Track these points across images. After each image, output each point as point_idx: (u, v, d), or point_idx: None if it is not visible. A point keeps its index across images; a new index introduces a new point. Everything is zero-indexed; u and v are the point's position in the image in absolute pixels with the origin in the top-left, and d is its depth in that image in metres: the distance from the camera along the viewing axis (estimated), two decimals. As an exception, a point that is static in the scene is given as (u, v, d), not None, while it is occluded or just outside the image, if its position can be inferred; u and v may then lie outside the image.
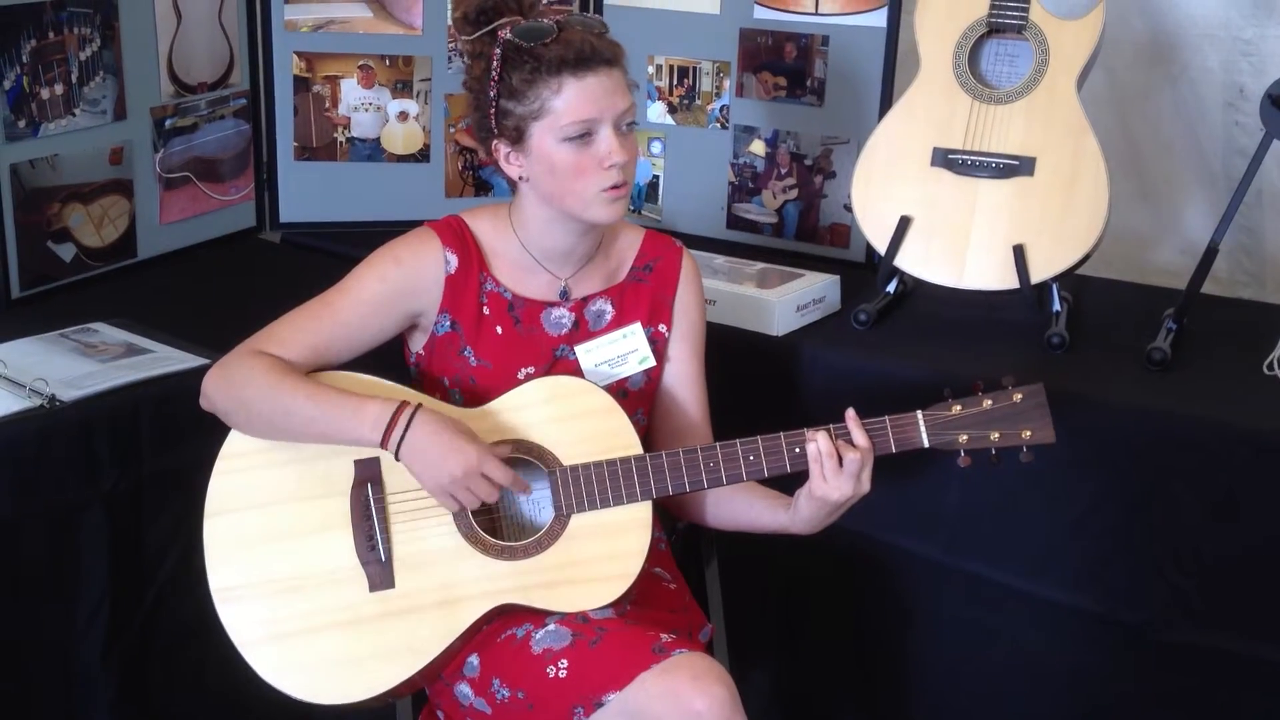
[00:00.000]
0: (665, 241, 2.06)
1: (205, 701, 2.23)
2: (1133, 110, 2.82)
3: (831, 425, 1.85)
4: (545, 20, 1.85)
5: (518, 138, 1.87)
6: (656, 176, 2.89)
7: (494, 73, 1.85)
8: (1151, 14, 2.76)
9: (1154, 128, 2.83)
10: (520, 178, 1.91)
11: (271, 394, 1.84)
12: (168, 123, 2.67)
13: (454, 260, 1.94)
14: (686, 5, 2.78)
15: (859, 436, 1.84)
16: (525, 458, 1.89)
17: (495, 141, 1.90)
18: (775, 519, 1.94)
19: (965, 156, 2.34)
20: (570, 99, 1.83)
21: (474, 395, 1.94)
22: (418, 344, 1.99)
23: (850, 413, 1.85)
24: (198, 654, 2.08)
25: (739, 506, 1.98)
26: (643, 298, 2.02)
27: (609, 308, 2.00)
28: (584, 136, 1.84)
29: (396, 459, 1.83)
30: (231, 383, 1.87)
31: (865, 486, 1.84)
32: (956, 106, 2.35)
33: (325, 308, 1.92)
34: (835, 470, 1.82)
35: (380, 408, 1.82)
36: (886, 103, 2.60)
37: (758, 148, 2.79)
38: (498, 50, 1.85)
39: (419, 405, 1.83)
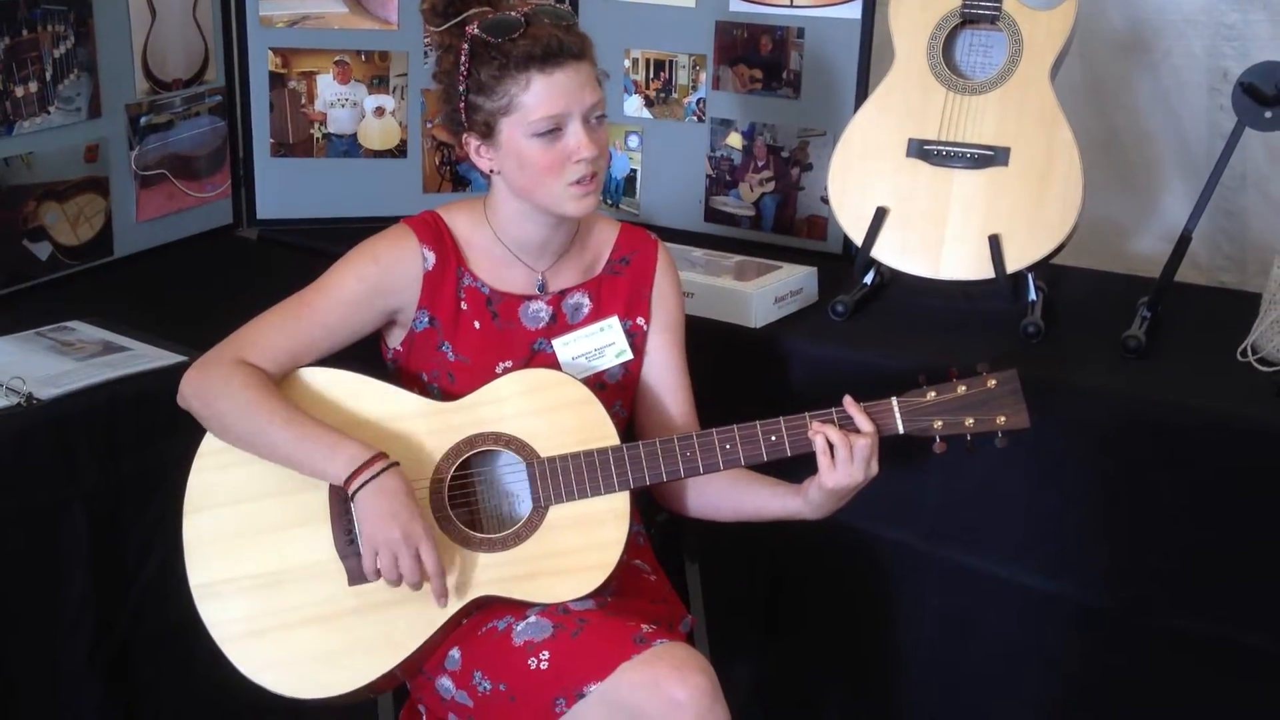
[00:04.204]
0: (640, 235, 2.06)
1: (191, 701, 2.23)
2: (1111, 99, 2.84)
3: (820, 412, 1.85)
4: (512, 14, 1.85)
5: (487, 132, 1.87)
6: (634, 170, 2.90)
7: (462, 68, 1.85)
8: (1130, 2, 2.77)
9: (1132, 116, 2.85)
10: (492, 171, 1.91)
11: (247, 412, 1.84)
12: (143, 120, 2.67)
13: (431, 257, 1.94)
14: (662, -2, 2.79)
15: (862, 422, 1.84)
16: (505, 449, 1.89)
17: (466, 135, 1.90)
18: (785, 506, 1.93)
19: (940, 147, 2.35)
20: (538, 94, 1.83)
21: (452, 390, 1.94)
22: (395, 340, 1.99)
23: (849, 399, 1.85)
24: (183, 653, 2.07)
25: (742, 497, 1.98)
26: (620, 291, 2.02)
27: (586, 301, 2.01)
28: (553, 131, 1.84)
29: (350, 498, 1.82)
30: (209, 390, 1.87)
31: (874, 470, 1.84)
32: (931, 97, 2.36)
33: (304, 307, 1.92)
34: (846, 459, 1.82)
35: (358, 450, 1.82)
36: (862, 94, 2.61)
37: (734, 141, 2.79)
38: (465, 45, 1.85)
39: (396, 463, 1.83)
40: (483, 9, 1.87)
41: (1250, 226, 2.76)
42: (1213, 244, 2.79)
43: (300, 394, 1.90)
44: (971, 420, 1.85)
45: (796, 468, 1.90)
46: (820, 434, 1.83)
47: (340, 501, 1.87)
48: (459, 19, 1.87)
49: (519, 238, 1.96)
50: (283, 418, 1.84)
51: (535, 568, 1.86)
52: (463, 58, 1.85)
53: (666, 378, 2.04)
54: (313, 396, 1.90)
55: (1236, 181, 2.72)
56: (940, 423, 1.85)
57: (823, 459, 1.83)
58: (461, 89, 1.86)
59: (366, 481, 1.81)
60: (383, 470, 1.81)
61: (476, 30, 1.84)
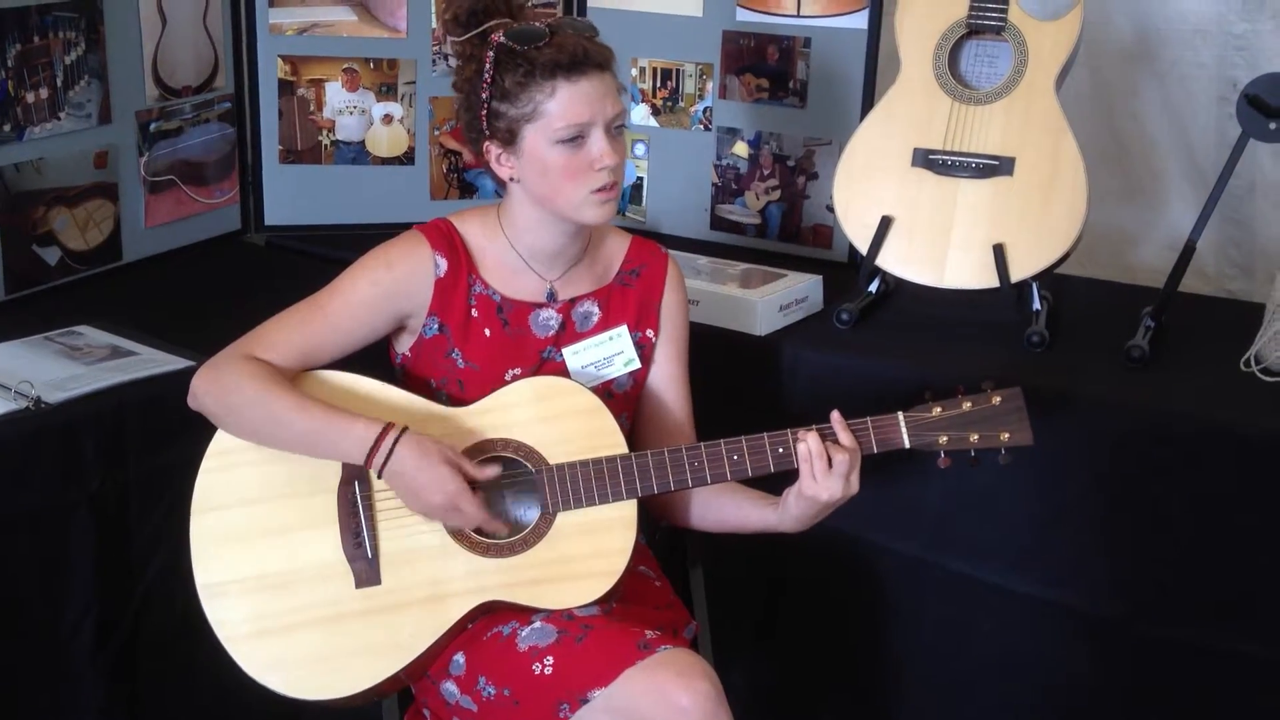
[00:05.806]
0: (651, 248, 2.08)
1: (195, 703, 2.23)
2: (1118, 108, 2.85)
3: (816, 426, 1.87)
4: (537, 24, 1.87)
5: (510, 139, 1.88)
6: (640, 178, 2.91)
7: (486, 75, 1.87)
8: (1139, 12, 2.78)
9: (1140, 124, 2.85)
10: (511, 179, 1.92)
11: (259, 402, 1.85)
12: (152, 126, 2.68)
13: (443, 264, 1.95)
14: (669, 7, 2.80)
15: (845, 438, 1.86)
16: (513, 456, 1.90)
17: (486, 143, 1.91)
18: (763, 518, 1.95)
19: (945, 157, 2.36)
20: (563, 102, 1.84)
21: (461, 396, 1.95)
22: (404, 345, 2.00)
23: (835, 414, 1.87)
24: (187, 655, 2.08)
25: (726, 507, 2.00)
26: (630, 302, 2.03)
27: (596, 309, 2.02)
28: (576, 139, 1.85)
29: (379, 478, 1.85)
30: (221, 386, 1.88)
31: (854, 487, 1.86)
32: (936, 107, 2.37)
33: (316, 310, 1.93)
34: (824, 471, 1.84)
35: (365, 428, 1.84)
36: (868, 104, 2.62)
37: (740, 149, 2.81)
38: (490, 53, 1.86)
39: (404, 429, 1.84)
40: (504, 19, 1.89)
41: (1258, 234, 2.77)
42: (1220, 252, 2.79)
43: (311, 393, 1.90)
44: (976, 436, 1.87)
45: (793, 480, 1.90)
46: (803, 443, 1.84)
47: (349, 503, 1.88)
48: (482, 28, 1.88)
49: (534, 246, 1.97)
50: (293, 404, 1.85)
51: (542, 574, 1.87)
52: (487, 65, 1.86)
53: (669, 390, 2.05)
54: (322, 397, 1.90)
55: (1245, 189, 2.73)
56: (945, 438, 1.87)
57: (804, 466, 1.85)
58: (484, 95, 1.87)
59: (385, 461, 1.82)
60: (394, 443, 1.82)
61: (502, 39, 1.86)
